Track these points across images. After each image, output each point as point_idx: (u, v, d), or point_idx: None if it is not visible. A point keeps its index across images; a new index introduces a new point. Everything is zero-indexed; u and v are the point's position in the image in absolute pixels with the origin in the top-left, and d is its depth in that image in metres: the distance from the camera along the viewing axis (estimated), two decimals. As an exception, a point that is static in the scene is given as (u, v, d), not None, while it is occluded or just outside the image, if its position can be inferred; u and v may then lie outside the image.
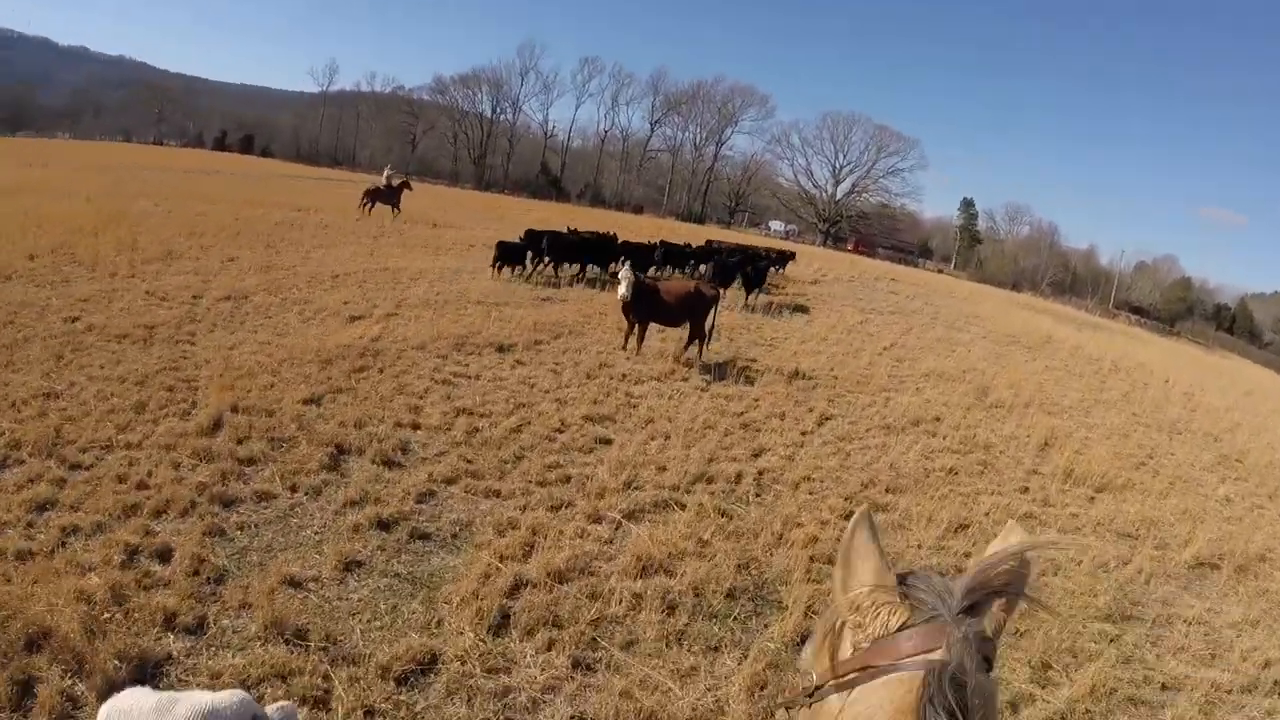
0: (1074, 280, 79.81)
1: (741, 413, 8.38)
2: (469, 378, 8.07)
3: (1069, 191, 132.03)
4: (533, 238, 15.98)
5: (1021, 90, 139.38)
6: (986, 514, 7.02)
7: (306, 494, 5.09)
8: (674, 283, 10.93)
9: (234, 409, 6.27)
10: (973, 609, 0.83)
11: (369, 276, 13.09)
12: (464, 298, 12.31)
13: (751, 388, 9.57)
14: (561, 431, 6.78)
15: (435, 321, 10.15)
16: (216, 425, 5.93)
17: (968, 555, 5.94)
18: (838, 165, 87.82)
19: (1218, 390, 21.69)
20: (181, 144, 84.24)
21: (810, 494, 6.41)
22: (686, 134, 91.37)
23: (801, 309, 18.54)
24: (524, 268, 15.40)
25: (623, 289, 9.69)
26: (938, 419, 9.96)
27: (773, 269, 22.53)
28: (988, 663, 0.81)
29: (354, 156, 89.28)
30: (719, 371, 10.10)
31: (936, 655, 0.80)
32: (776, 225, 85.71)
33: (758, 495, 6.15)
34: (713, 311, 10.28)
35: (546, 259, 15.87)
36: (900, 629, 0.85)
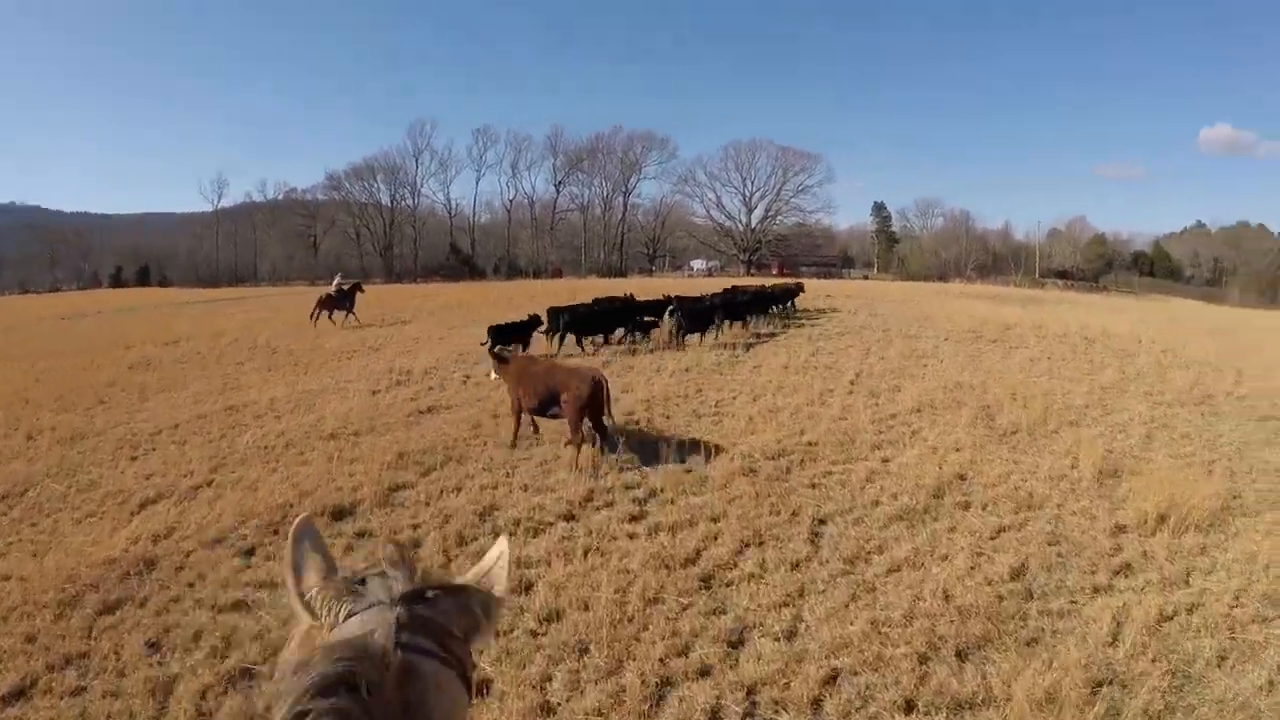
0: (995, 260, 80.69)
1: (696, 554, 5.50)
2: (273, 586, 5.11)
3: (974, 175, 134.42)
4: (554, 314, 16.03)
5: (904, 83, 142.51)
6: (1112, 641, 4.49)
7: None
8: (560, 365, 8.38)
9: None
10: (419, 599, 0.87)
11: (200, 425, 9.98)
12: (314, 433, 9.26)
13: (704, 496, 6.73)
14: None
15: (258, 484, 7.16)
16: None
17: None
18: (747, 193, 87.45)
19: (1188, 339, 19.84)
20: (78, 287, 78.48)
21: (844, 717, 3.62)
22: (593, 189, 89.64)
23: (744, 348, 16.01)
24: (524, 348, 14.09)
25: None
26: (962, 477, 7.44)
27: (776, 306, 22.81)
28: (441, 647, 0.84)
29: (255, 271, 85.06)
30: (654, 476, 7.29)
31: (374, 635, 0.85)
32: (698, 264, 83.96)
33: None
34: (607, 400, 7.74)
35: (565, 334, 15.76)
36: (348, 617, 0.89)
